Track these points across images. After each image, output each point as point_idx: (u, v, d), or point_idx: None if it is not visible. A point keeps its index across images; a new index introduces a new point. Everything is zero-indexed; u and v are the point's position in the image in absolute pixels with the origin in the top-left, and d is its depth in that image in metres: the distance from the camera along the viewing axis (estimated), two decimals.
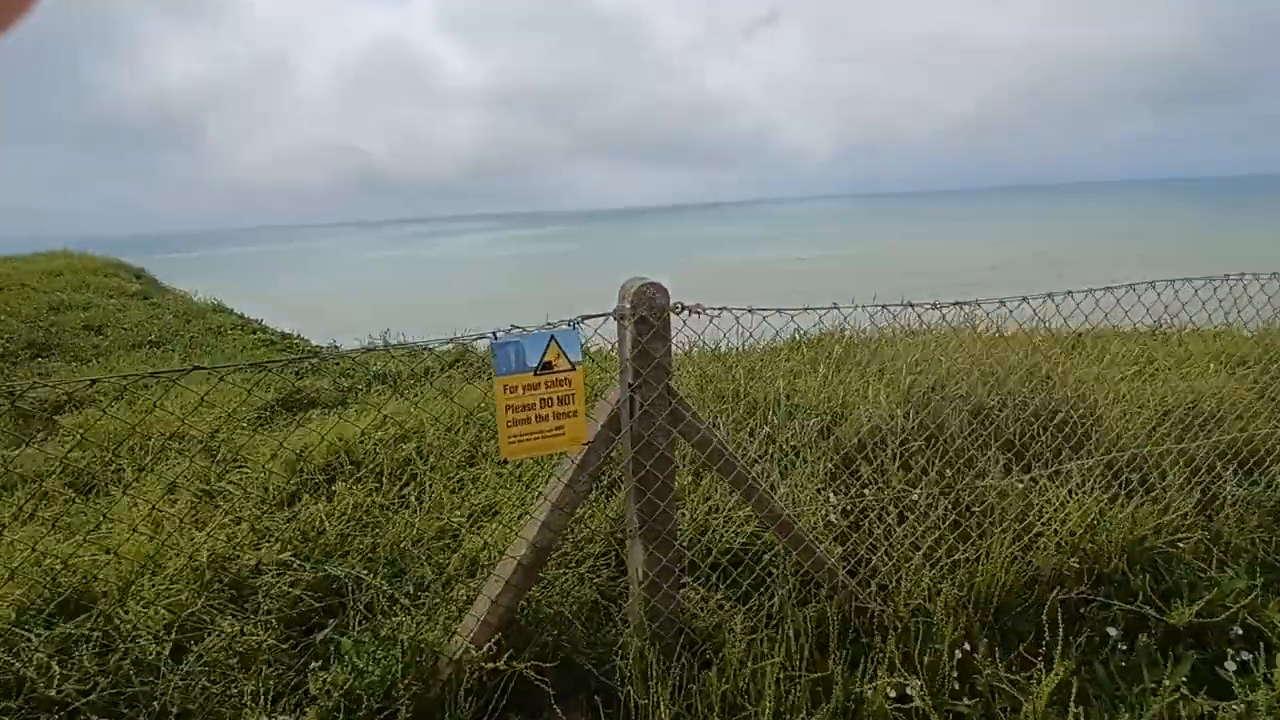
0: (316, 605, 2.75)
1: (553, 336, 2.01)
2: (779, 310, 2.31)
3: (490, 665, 2.08)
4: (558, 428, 2.08)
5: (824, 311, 2.67)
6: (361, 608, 2.74)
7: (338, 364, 7.59)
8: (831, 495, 3.47)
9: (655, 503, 2.26)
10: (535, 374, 2.01)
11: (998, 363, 4.58)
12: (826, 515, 3.25)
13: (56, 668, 2.13)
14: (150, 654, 2.20)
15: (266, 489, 3.83)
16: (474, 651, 2.07)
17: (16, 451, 5.32)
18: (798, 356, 6.07)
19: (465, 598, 2.45)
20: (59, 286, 13.61)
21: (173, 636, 2.36)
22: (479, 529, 3.18)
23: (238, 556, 2.82)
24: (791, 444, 4.10)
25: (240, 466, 4.37)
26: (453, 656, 2.12)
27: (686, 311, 2.14)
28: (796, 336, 6.81)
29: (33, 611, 2.38)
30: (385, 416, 4.87)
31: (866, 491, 3.52)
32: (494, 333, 1.94)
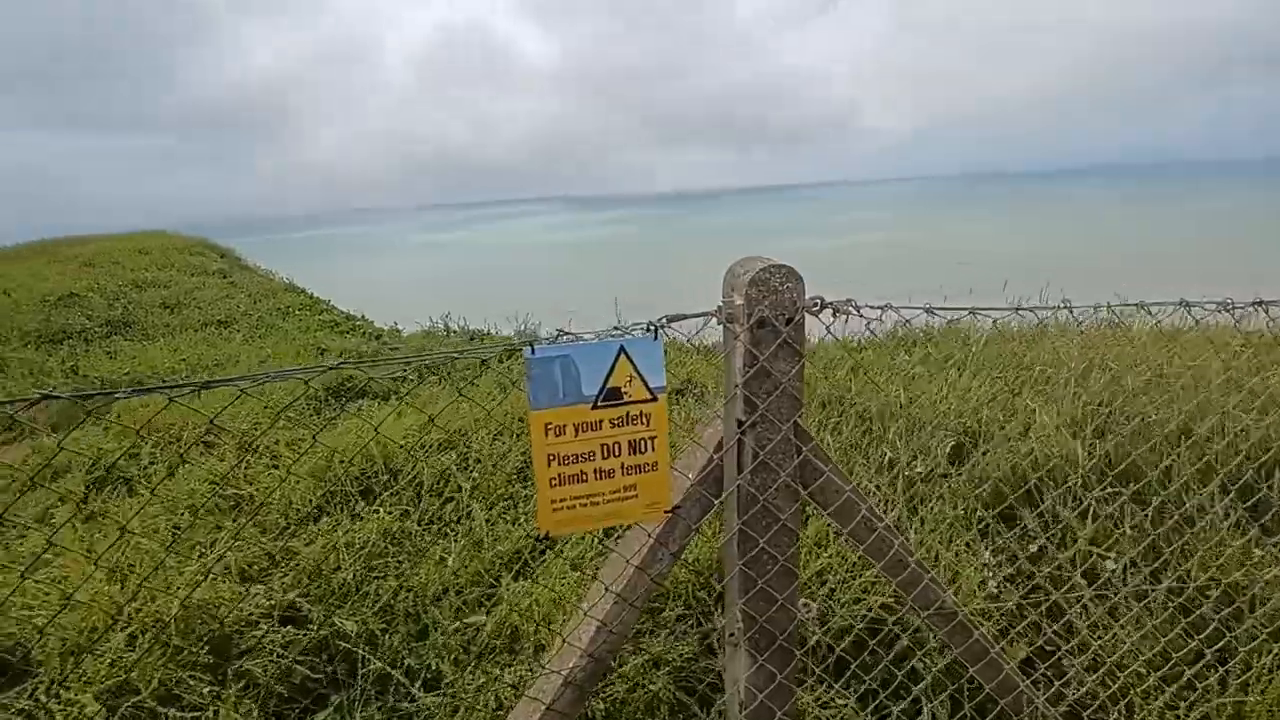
0: (315, 676, 2.15)
1: (623, 348, 1.27)
2: (968, 310, 1.49)
3: None
4: (628, 489, 1.34)
5: (1008, 313, 1.81)
6: (372, 679, 2.13)
7: (394, 350, 7.15)
8: (986, 552, 2.61)
9: (772, 595, 1.50)
10: (595, 406, 1.28)
11: (1191, 374, 3.53)
12: (984, 582, 2.40)
13: None
14: None
15: (290, 502, 3.30)
16: None
17: (58, 436, 5.09)
18: (907, 355, 5.13)
19: (496, 700, 1.77)
20: (145, 264, 14.01)
21: None
22: (526, 576, 2.51)
23: (221, 606, 2.25)
24: (917, 470, 3.24)
25: (274, 467, 3.89)
26: None
27: (832, 311, 1.36)
28: (901, 331, 5.85)
29: None
30: (430, 419, 4.30)
31: (1030, 546, 2.64)
32: (530, 342, 1.22)
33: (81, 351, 7.86)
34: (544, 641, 2.02)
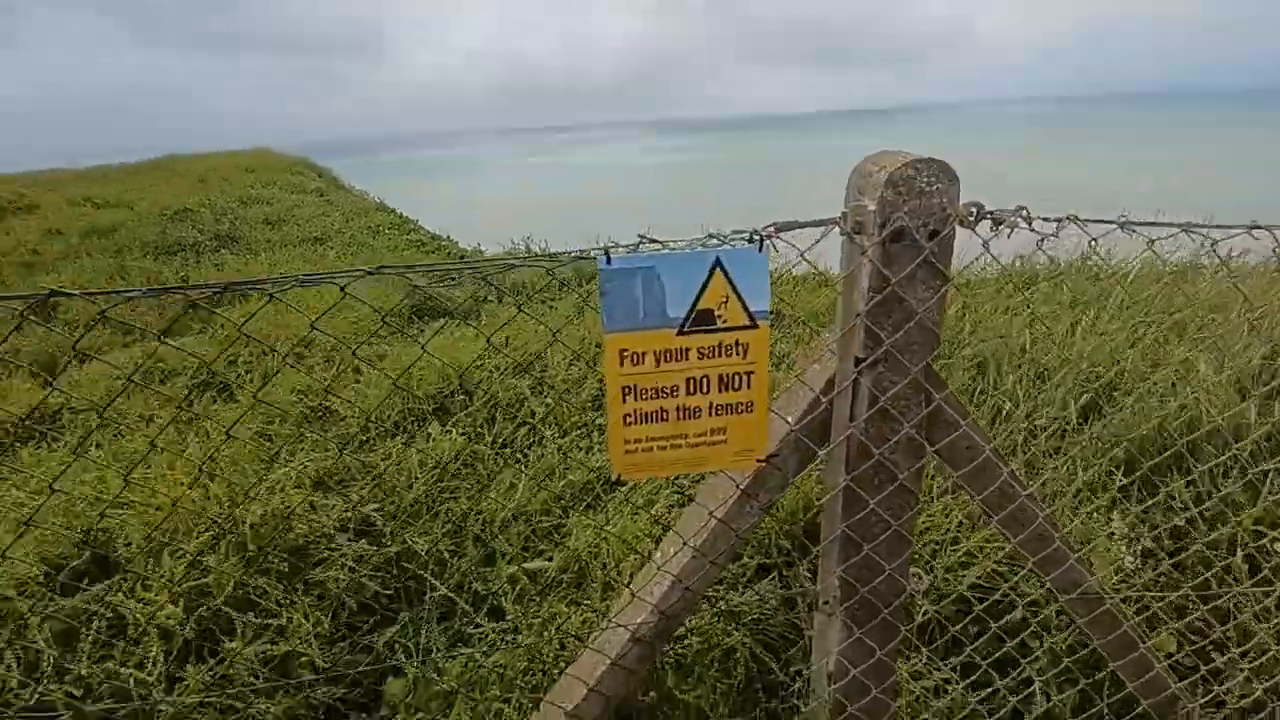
0: (385, 592, 2.13)
1: (719, 261, 1.03)
2: (1179, 227, 1.13)
3: None
4: (715, 432, 1.13)
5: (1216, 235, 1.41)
6: (438, 601, 2.08)
7: (475, 272, 7.10)
8: (1117, 519, 2.26)
9: (877, 563, 1.27)
10: (681, 331, 1.05)
11: None
12: (1120, 559, 2.08)
13: (50, 656, 1.65)
14: (154, 659, 1.66)
15: (369, 417, 3.32)
16: None
17: (176, 343, 5.39)
18: (1021, 295, 4.56)
19: (559, 643, 1.66)
20: (250, 182, 14.63)
21: (197, 625, 1.82)
22: (598, 510, 2.39)
23: (298, 516, 2.25)
24: (1037, 423, 2.86)
25: (356, 382, 3.95)
26: None
27: (993, 222, 1.05)
28: (1024, 262, 5.21)
29: (53, 569, 1.95)
30: (506, 339, 4.22)
31: (1174, 519, 2.27)
32: (605, 249, 1.00)
33: (193, 263, 8.31)
34: (612, 581, 1.89)
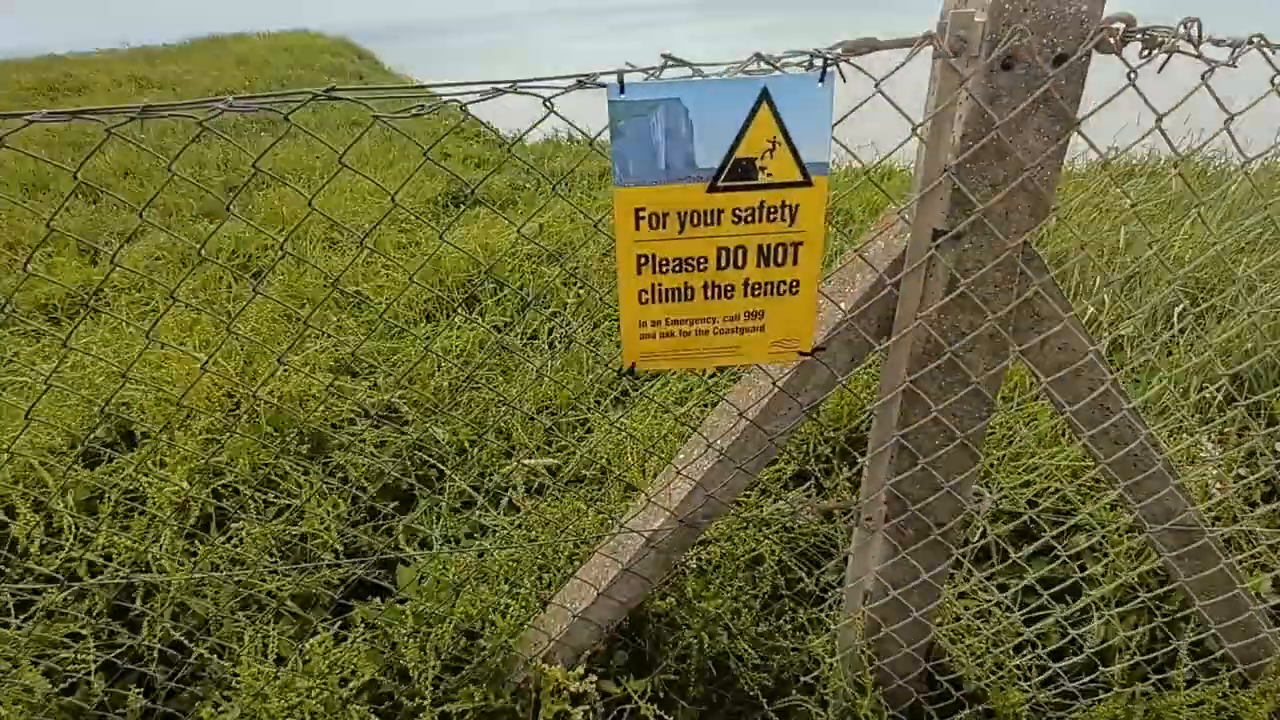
0: (405, 479, 2.08)
1: (765, 91, 0.79)
2: None
3: (581, 686, 1.21)
4: (751, 315, 0.93)
5: None
6: (457, 492, 2.02)
7: (515, 161, 6.83)
8: (1208, 443, 2.01)
9: (934, 478, 1.09)
10: (714, 187, 0.83)
11: None
12: (1208, 486, 1.85)
13: (72, 524, 1.64)
14: (165, 533, 1.64)
15: (398, 305, 3.22)
16: (558, 671, 1.19)
17: (212, 226, 5.36)
18: (1096, 187, 4.04)
19: (574, 542, 1.56)
20: (289, 63, 14.22)
21: (215, 500, 1.80)
22: (625, 405, 2.26)
23: (319, 398, 2.18)
24: (1125, 333, 2.56)
25: (386, 268, 3.84)
26: (529, 658, 1.27)
27: (1145, 44, 0.77)
28: (1114, 157, 4.62)
29: (76, 441, 1.94)
30: (541, 227, 4.01)
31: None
32: (618, 73, 0.77)
33: (233, 145, 8.19)
34: (633, 481, 1.78)
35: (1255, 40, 0.76)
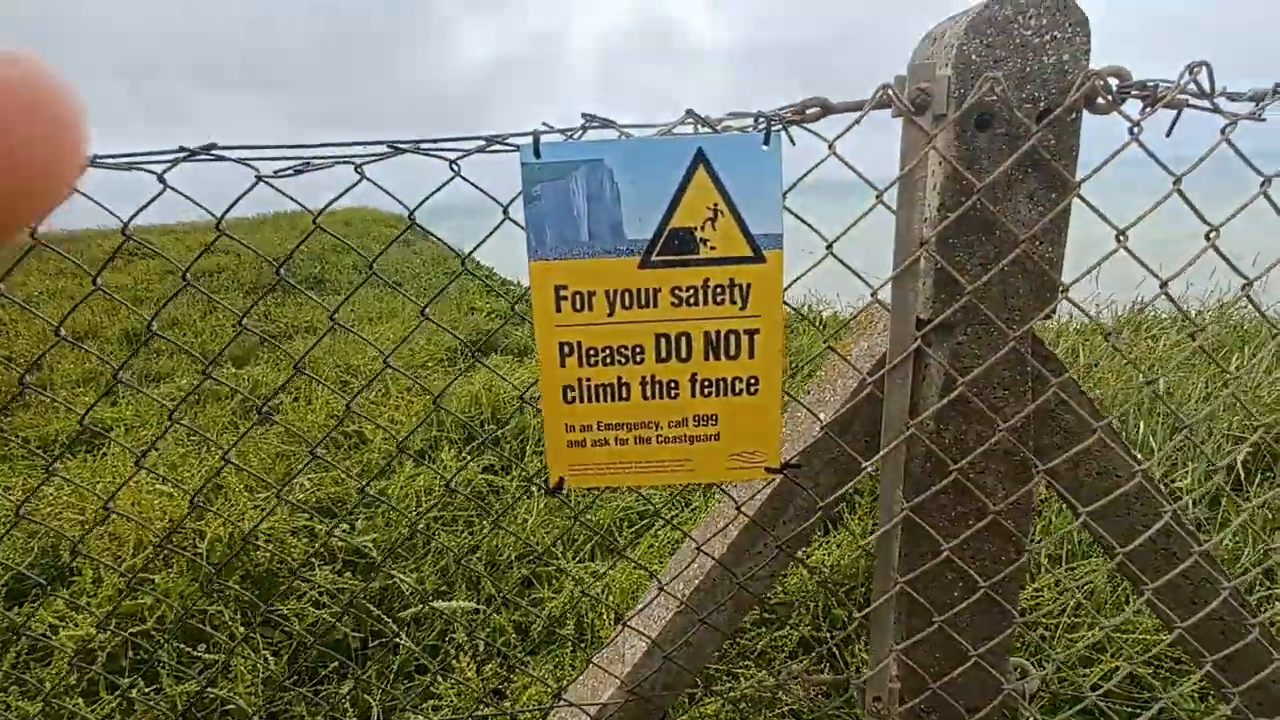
0: (355, 634, 1.81)
1: (702, 153, 0.69)
2: None
3: None
4: (702, 421, 0.76)
5: None
6: (409, 651, 1.74)
7: (512, 307, 7.12)
8: None
9: (956, 644, 0.84)
10: (646, 262, 0.71)
11: None
12: None
13: None
14: (54, 685, 1.39)
15: (397, 440, 3.10)
16: None
17: (240, 370, 5.50)
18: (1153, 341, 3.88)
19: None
20: (345, 233, 15.60)
21: (131, 650, 1.56)
22: (611, 554, 2.01)
23: (269, 540, 1.99)
24: (1181, 485, 2.26)
25: (396, 409, 3.79)
26: None
27: (1144, 98, 0.66)
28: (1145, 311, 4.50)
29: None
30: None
31: None
32: (534, 133, 0.68)
33: (279, 302, 8.71)
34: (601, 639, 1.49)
35: None
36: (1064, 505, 0.84)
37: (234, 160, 0.68)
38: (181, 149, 0.67)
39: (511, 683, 1.48)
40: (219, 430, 3.55)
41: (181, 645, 1.62)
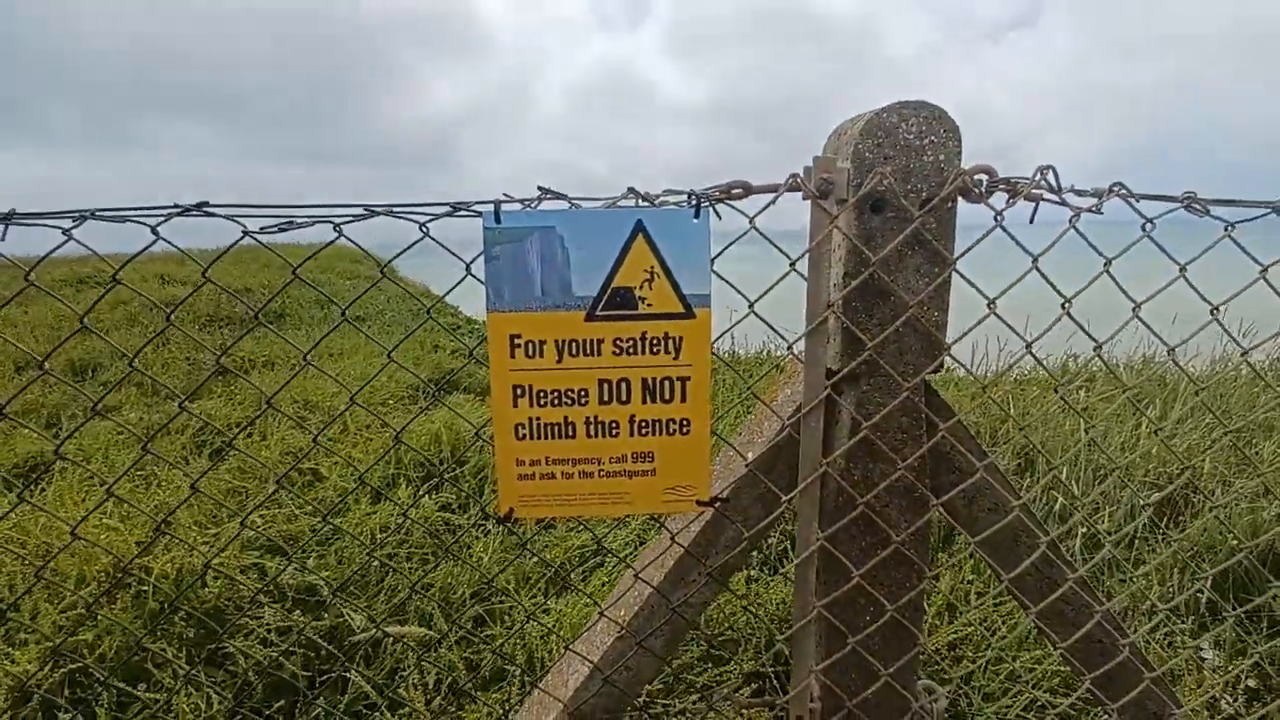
0: (305, 674, 1.81)
1: (641, 224, 0.80)
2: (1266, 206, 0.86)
3: None
4: (639, 457, 0.85)
5: None
6: (354, 694, 1.74)
7: (470, 353, 7.21)
8: (1207, 650, 1.80)
9: (869, 664, 0.93)
10: (591, 316, 0.81)
11: None
12: (1216, 699, 1.61)
13: None
14: None
15: (360, 480, 3.09)
16: None
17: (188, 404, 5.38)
18: (1079, 392, 4.14)
19: None
20: (310, 267, 15.46)
21: (70, 688, 1.54)
22: (566, 591, 2.05)
23: (219, 575, 1.98)
24: (1101, 528, 2.42)
25: (353, 447, 3.77)
26: None
27: (1008, 191, 0.80)
28: (1070, 362, 4.80)
29: None
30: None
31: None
32: (495, 203, 0.78)
33: (235, 334, 8.56)
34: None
35: (1115, 188, 0.79)
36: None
37: (223, 216, 0.77)
38: (175, 205, 0.75)
39: (461, 717, 1.50)
40: (169, 465, 3.48)
41: (121, 685, 1.60)
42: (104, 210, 0.75)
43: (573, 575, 2.09)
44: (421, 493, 2.75)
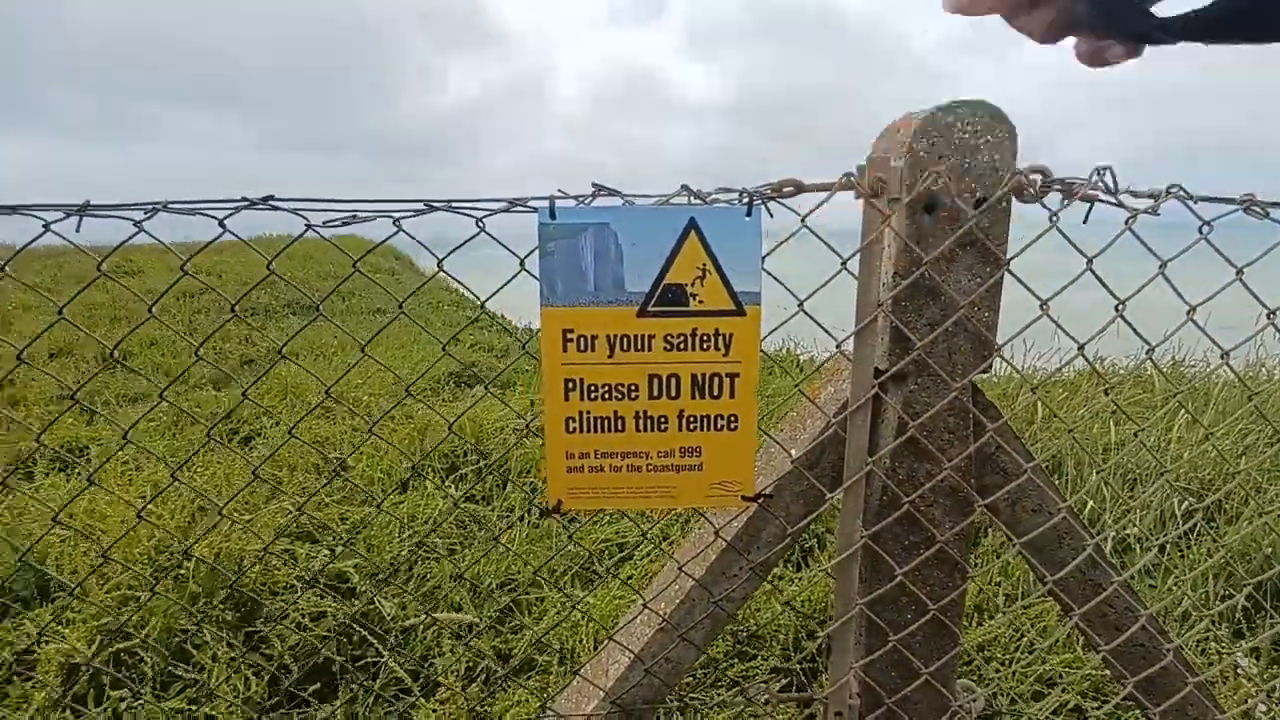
0: (336, 658, 1.85)
1: (694, 222, 0.81)
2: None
3: None
4: (687, 452, 0.86)
5: None
6: (391, 676, 1.78)
7: (524, 346, 7.29)
8: (1243, 658, 1.77)
9: (910, 662, 0.93)
10: (644, 312, 0.82)
11: None
12: (1252, 709, 1.59)
13: None
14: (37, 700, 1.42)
15: (386, 473, 3.14)
16: None
17: (217, 392, 5.48)
18: (1089, 392, 4.08)
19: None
20: (331, 259, 15.63)
21: (115, 665, 1.58)
22: (589, 584, 2.07)
23: (256, 560, 2.02)
24: (1129, 532, 2.40)
25: (370, 438, 3.82)
26: None
27: (1062, 192, 0.79)
28: (1103, 366, 4.73)
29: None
30: (531, 402, 4.05)
31: None
32: (551, 201, 0.80)
33: (260, 324, 8.70)
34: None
35: (1173, 189, 0.79)
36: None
37: (289, 210, 0.79)
38: (244, 199, 0.77)
39: (493, 705, 1.52)
40: (198, 457, 3.54)
41: (165, 664, 1.65)
42: (175, 203, 0.77)
43: (600, 568, 2.11)
44: (448, 485, 2.78)
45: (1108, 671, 1.40)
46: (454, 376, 5.85)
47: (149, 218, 0.77)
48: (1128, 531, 2.38)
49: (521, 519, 2.55)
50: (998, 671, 1.60)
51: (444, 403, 4.92)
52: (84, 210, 0.77)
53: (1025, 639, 1.78)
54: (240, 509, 2.50)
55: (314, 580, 2.15)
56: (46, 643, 1.58)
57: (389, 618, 1.98)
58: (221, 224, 0.78)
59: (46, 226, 0.72)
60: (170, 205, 0.77)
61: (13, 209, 0.71)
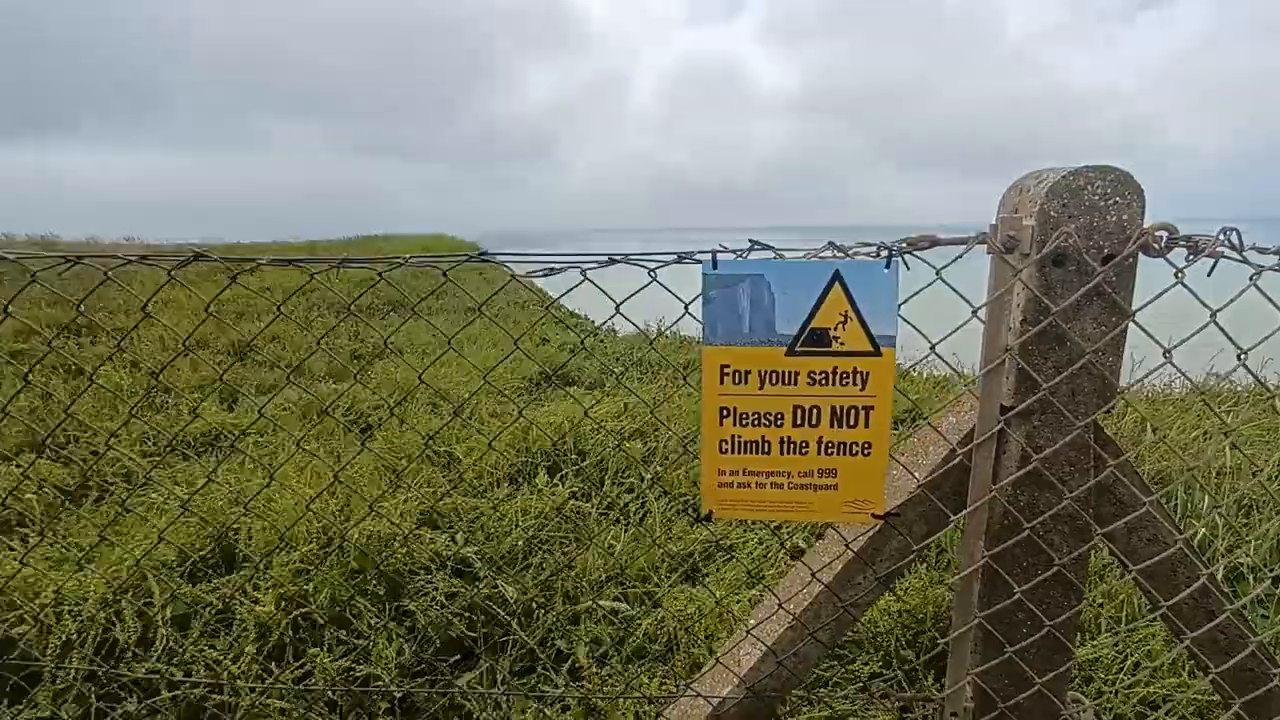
0: (470, 634, 2.07)
1: (838, 274, 0.93)
2: None
3: None
4: (824, 473, 0.98)
5: None
6: (520, 653, 1.98)
7: (608, 348, 7.46)
8: None
9: (1023, 672, 1.02)
10: (792, 351, 0.95)
11: None
12: None
13: (165, 636, 1.73)
14: (246, 653, 1.69)
15: (486, 467, 3.40)
16: None
17: (338, 386, 5.98)
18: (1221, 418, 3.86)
19: (635, 716, 1.49)
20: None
21: (294, 628, 1.85)
22: (694, 582, 2.21)
23: (399, 543, 2.28)
24: (1243, 559, 2.32)
25: (480, 432, 4.10)
26: None
27: (1189, 249, 0.86)
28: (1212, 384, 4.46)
29: (182, 560, 2.09)
30: (625, 406, 4.23)
31: None
32: (712, 252, 0.93)
33: (364, 322, 9.34)
34: (700, 659, 1.70)
35: None
36: (1124, 571, 0.99)
37: (498, 264, 0.96)
38: (472, 254, 0.95)
39: (619, 685, 1.69)
40: (328, 443, 3.91)
41: (333, 627, 1.91)
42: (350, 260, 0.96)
43: (702, 567, 2.25)
44: (555, 482, 2.99)
45: (1216, 696, 1.41)
46: (543, 375, 6.14)
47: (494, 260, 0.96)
48: (1241, 561, 2.30)
49: (618, 521, 2.72)
50: (1100, 693, 1.63)
51: (539, 401, 5.19)
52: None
53: (1130, 660, 1.79)
54: (374, 491, 2.79)
55: (444, 563, 2.39)
56: (239, 604, 1.87)
57: (511, 601, 2.19)
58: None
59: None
60: (412, 259, 0.96)
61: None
